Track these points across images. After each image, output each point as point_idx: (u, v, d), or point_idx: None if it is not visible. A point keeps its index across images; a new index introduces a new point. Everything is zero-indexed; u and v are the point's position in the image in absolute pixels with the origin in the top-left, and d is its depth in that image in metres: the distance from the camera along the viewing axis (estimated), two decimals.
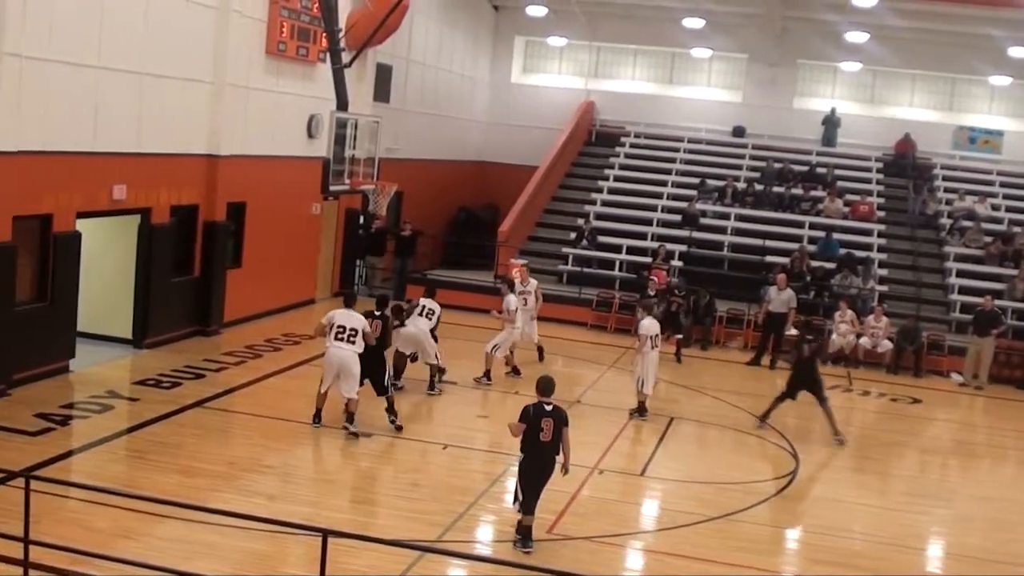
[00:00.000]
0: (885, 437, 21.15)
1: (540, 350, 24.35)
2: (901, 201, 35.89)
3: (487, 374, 21.89)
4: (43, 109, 18.24)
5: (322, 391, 17.65)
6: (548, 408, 13.29)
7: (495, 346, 22.02)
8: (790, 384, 20.25)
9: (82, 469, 15.15)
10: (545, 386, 13.47)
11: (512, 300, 22.34)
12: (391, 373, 19.08)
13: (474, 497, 15.10)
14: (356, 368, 17.42)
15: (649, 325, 20.31)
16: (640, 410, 20.39)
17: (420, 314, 20.33)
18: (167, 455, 15.79)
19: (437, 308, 20.67)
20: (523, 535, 13.34)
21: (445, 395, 20.82)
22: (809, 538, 15.36)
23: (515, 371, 22.74)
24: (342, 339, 17.33)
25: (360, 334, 17.37)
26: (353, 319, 17.50)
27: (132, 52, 20.42)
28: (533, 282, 24.52)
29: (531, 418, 13.20)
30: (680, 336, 26.65)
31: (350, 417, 17.58)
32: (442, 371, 21.06)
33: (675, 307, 27.02)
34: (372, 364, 17.87)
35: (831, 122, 38.88)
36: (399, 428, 17.97)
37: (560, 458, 13.45)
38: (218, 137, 23.37)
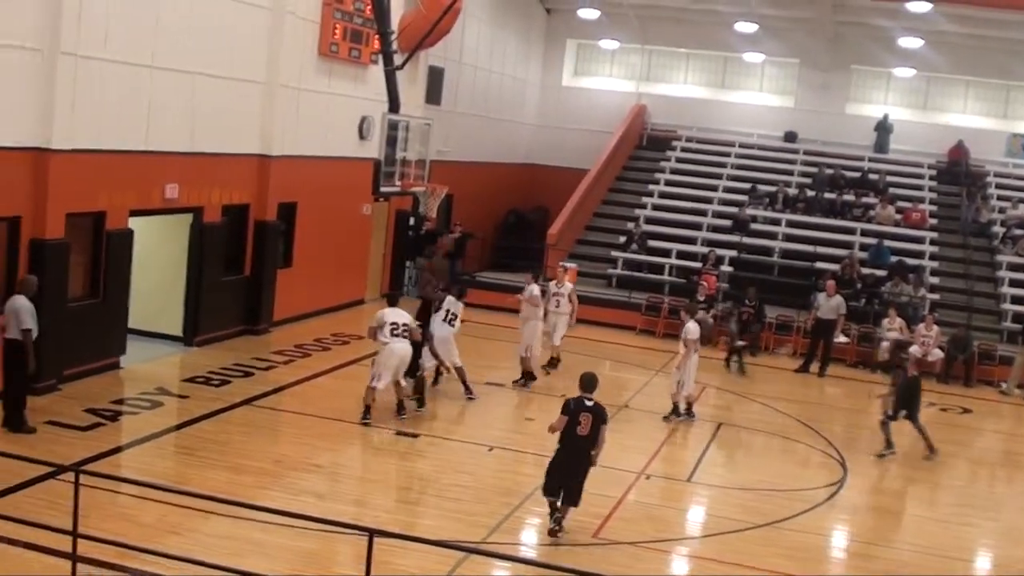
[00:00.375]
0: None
1: (556, 360, 23.71)
2: (954, 209, 35.56)
3: (528, 375, 21.89)
4: (97, 108, 18.42)
5: (378, 386, 17.97)
6: (588, 404, 13.68)
7: (527, 347, 21.91)
8: (896, 405, 19.68)
9: (131, 465, 15.29)
10: (587, 382, 13.87)
11: (534, 289, 22.25)
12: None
13: (520, 499, 15.09)
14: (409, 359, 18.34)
15: (694, 329, 20.22)
16: (676, 411, 20.38)
17: (444, 319, 20.06)
18: (216, 452, 15.91)
19: (460, 311, 20.40)
20: (550, 512, 13.85)
21: (491, 397, 20.87)
22: (856, 547, 15.25)
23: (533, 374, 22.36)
24: (398, 334, 17.90)
25: (409, 330, 18.09)
26: (403, 316, 18.14)
27: (186, 52, 20.59)
28: (568, 285, 24.00)
29: (571, 411, 13.63)
30: (744, 344, 26.26)
31: (400, 406, 18.45)
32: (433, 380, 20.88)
33: (746, 316, 26.91)
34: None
35: (883, 128, 38.59)
36: (402, 416, 18.50)
37: (595, 452, 13.81)
38: (270, 137, 23.54)
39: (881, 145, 38.66)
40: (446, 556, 12.22)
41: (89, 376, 18.79)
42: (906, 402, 19.42)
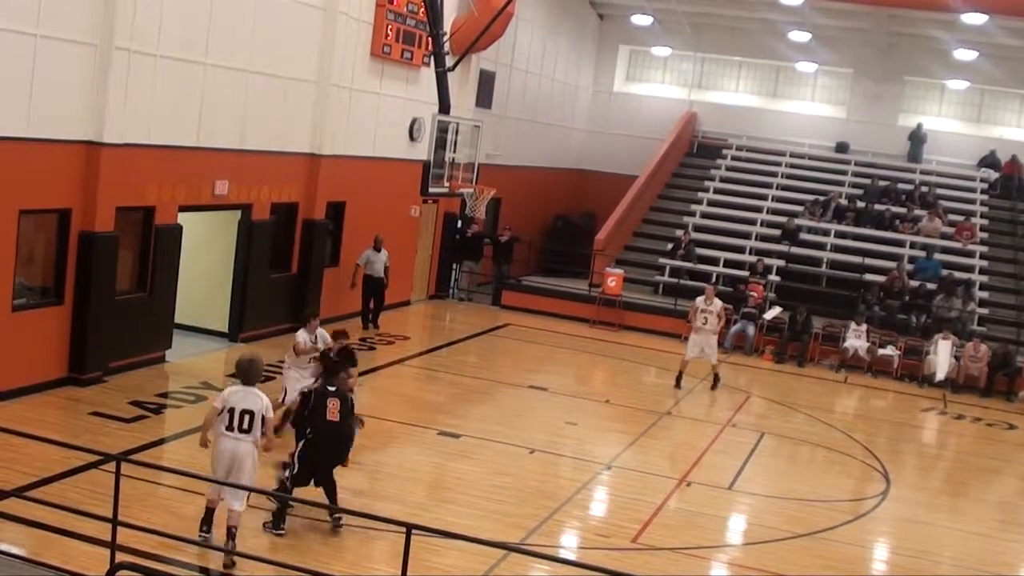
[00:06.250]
0: (979, 462, 20.75)
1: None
2: (1007, 224, 35.19)
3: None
4: (149, 103, 18.57)
5: None
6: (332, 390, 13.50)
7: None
8: None
9: (173, 457, 15.37)
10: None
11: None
12: None
13: (559, 503, 15.09)
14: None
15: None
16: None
17: None
18: None
19: None
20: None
21: (535, 401, 20.87)
22: (897, 559, 15.13)
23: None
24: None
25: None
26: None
27: (239, 50, 20.74)
28: (718, 302, 23.76)
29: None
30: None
31: None
32: None
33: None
34: None
35: (917, 138, 38.33)
36: None
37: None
38: (320, 137, 23.63)
39: (914, 155, 38.39)
40: (484, 556, 12.22)
41: (135, 369, 18.93)
42: None
